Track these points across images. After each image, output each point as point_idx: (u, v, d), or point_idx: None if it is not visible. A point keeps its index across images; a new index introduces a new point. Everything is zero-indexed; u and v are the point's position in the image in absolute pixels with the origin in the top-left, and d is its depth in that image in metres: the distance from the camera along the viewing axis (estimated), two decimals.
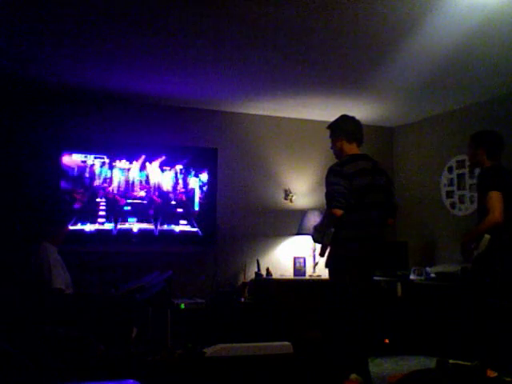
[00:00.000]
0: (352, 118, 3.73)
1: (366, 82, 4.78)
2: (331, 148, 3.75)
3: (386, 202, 3.62)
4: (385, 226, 3.64)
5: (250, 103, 5.50)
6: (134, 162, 5.27)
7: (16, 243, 4.56)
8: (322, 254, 3.61)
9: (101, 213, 5.12)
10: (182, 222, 5.37)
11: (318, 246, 3.72)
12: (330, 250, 3.56)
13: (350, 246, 3.48)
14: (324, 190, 3.55)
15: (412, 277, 5.32)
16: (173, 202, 5.37)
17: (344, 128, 3.67)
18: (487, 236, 3.50)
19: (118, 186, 5.20)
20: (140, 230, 5.22)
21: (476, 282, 3.71)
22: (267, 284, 5.44)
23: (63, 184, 5.01)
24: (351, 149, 3.64)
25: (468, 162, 3.82)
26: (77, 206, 5.04)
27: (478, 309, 3.65)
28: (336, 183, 3.43)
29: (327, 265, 3.59)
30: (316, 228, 3.67)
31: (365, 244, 3.49)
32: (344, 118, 3.74)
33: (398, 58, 4.18)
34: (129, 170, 5.24)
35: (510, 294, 3.54)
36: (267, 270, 5.57)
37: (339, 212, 3.38)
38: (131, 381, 2.29)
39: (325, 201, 3.53)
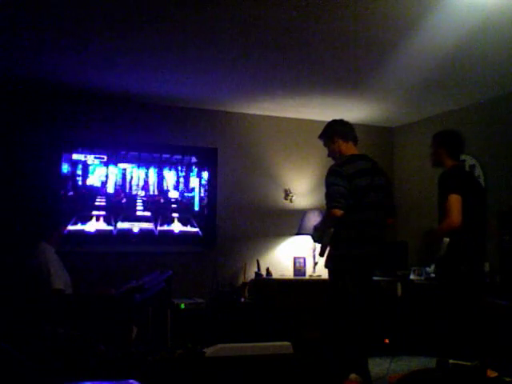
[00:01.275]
0: (340, 120, 3.76)
1: (366, 81, 4.78)
2: (328, 155, 3.75)
3: (385, 202, 3.63)
4: (384, 227, 3.64)
5: (250, 103, 5.49)
6: (134, 162, 5.27)
7: (15, 244, 4.55)
8: (321, 254, 3.61)
9: (101, 213, 5.12)
10: (181, 221, 5.37)
11: (318, 246, 3.72)
12: (330, 250, 3.56)
13: (350, 246, 3.48)
14: (324, 190, 3.56)
15: (412, 277, 5.32)
16: (173, 202, 5.37)
17: (336, 129, 3.69)
18: (446, 239, 3.51)
19: (118, 186, 5.20)
20: (140, 230, 5.22)
21: (441, 284, 3.72)
22: (267, 284, 5.44)
23: (62, 184, 5.01)
24: (349, 148, 3.64)
25: (430, 161, 3.87)
26: (77, 205, 5.03)
27: (448, 309, 3.66)
28: (336, 183, 3.43)
29: (327, 265, 3.59)
30: (316, 228, 3.67)
31: (364, 244, 3.49)
32: (333, 122, 3.78)
33: (398, 58, 4.18)
34: (129, 169, 5.25)
35: (474, 294, 3.58)
36: (267, 270, 5.57)
37: (339, 213, 3.39)
38: (131, 381, 2.29)
39: (325, 201, 3.54)
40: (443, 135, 3.81)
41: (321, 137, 3.77)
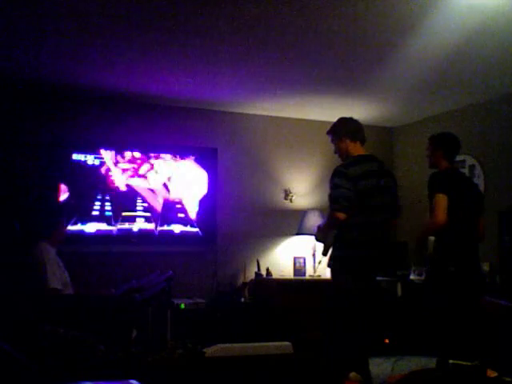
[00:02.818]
0: (350, 118, 3.73)
1: (366, 81, 4.78)
2: (335, 152, 3.71)
3: (391, 203, 3.61)
4: (389, 228, 3.64)
5: (250, 103, 5.50)
6: (134, 162, 5.27)
7: (15, 243, 4.55)
8: (324, 254, 3.62)
9: (101, 213, 5.12)
10: (182, 222, 5.37)
11: (321, 245, 3.72)
12: (333, 251, 3.55)
13: (353, 248, 3.47)
14: (327, 191, 3.54)
15: (412, 277, 5.32)
16: (173, 202, 5.37)
17: (346, 128, 3.65)
18: (431, 238, 3.57)
19: (118, 186, 5.20)
20: (140, 230, 5.22)
21: (430, 281, 3.72)
22: (267, 284, 5.44)
23: (62, 183, 5.01)
24: (356, 148, 3.62)
25: (427, 162, 3.89)
26: (77, 205, 5.03)
27: (434, 308, 3.66)
28: (340, 185, 3.40)
29: (329, 264, 3.59)
30: (319, 228, 3.67)
31: (367, 246, 3.47)
32: (343, 119, 3.73)
33: (398, 58, 4.19)
34: (128, 169, 5.25)
35: (466, 295, 3.57)
36: (267, 270, 5.57)
37: (342, 216, 3.37)
38: (131, 381, 2.29)
39: (328, 202, 3.52)
40: (440, 137, 3.84)
41: (329, 133, 3.74)
